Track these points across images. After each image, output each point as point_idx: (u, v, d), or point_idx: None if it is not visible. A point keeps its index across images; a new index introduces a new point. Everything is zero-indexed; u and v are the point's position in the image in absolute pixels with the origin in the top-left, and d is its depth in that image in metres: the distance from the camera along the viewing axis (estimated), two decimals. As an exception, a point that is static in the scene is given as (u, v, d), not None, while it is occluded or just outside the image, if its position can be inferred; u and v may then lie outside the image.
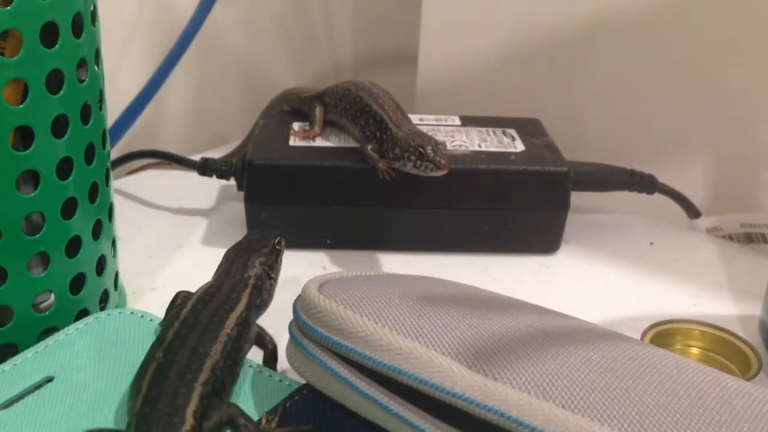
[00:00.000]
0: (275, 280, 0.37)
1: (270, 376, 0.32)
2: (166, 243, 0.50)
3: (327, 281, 0.31)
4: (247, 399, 0.31)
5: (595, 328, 0.30)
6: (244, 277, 0.35)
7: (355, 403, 0.28)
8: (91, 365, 0.33)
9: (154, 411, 0.27)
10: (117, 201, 0.41)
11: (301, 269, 0.46)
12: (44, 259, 0.34)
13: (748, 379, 0.36)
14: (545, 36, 0.61)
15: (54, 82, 0.32)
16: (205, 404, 0.28)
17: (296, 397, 0.31)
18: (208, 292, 0.34)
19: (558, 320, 0.30)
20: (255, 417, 0.30)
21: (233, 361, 0.31)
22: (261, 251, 0.37)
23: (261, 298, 0.36)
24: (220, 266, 0.37)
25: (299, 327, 0.30)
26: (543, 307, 0.32)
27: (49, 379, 0.32)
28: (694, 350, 0.40)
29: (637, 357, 0.27)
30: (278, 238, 0.39)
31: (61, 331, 0.35)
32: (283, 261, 0.39)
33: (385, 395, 0.26)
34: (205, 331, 0.31)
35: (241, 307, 0.33)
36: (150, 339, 0.32)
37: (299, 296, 0.31)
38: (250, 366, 0.33)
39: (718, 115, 0.56)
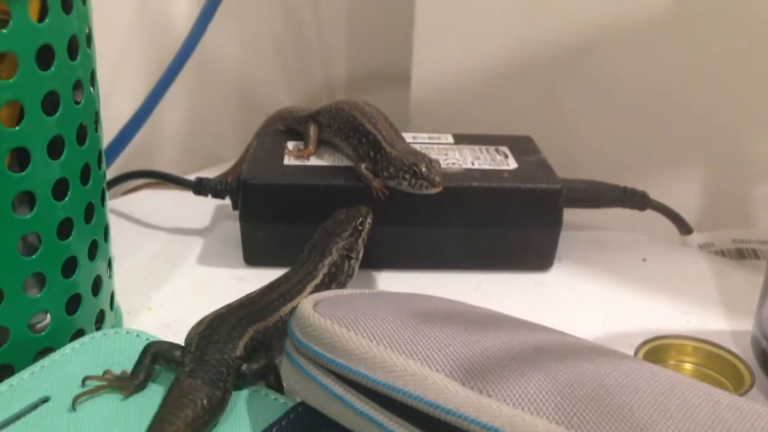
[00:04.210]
0: (356, 259, 0.41)
1: (265, 394, 0.33)
2: (161, 263, 0.50)
3: (322, 300, 0.32)
4: (241, 418, 0.31)
5: (588, 344, 0.30)
6: (318, 267, 0.39)
7: (350, 421, 0.28)
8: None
9: (214, 334, 0.33)
10: (113, 221, 0.41)
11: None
12: (40, 280, 0.34)
13: (741, 395, 0.36)
14: (537, 54, 0.62)
15: (50, 104, 0.33)
16: (253, 346, 0.33)
17: (291, 416, 0.31)
18: (281, 279, 0.38)
19: (551, 336, 0.30)
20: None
21: (281, 331, 0.36)
22: (342, 235, 0.40)
23: (337, 282, 0.39)
24: (304, 250, 0.40)
25: (294, 345, 0.30)
26: (536, 324, 0.32)
27: (46, 400, 0.32)
28: (687, 366, 0.40)
29: (630, 373, 0.27)
30: (361, 219, 0.41)
31: (57, 351, 0.35)
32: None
33: (379, 412, 0.26)
34: (263, 308, 0.36)
35: (300, 297, 0.37)
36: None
37: (294, 315, 0.31)
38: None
39: (710, 132, 0.57)
